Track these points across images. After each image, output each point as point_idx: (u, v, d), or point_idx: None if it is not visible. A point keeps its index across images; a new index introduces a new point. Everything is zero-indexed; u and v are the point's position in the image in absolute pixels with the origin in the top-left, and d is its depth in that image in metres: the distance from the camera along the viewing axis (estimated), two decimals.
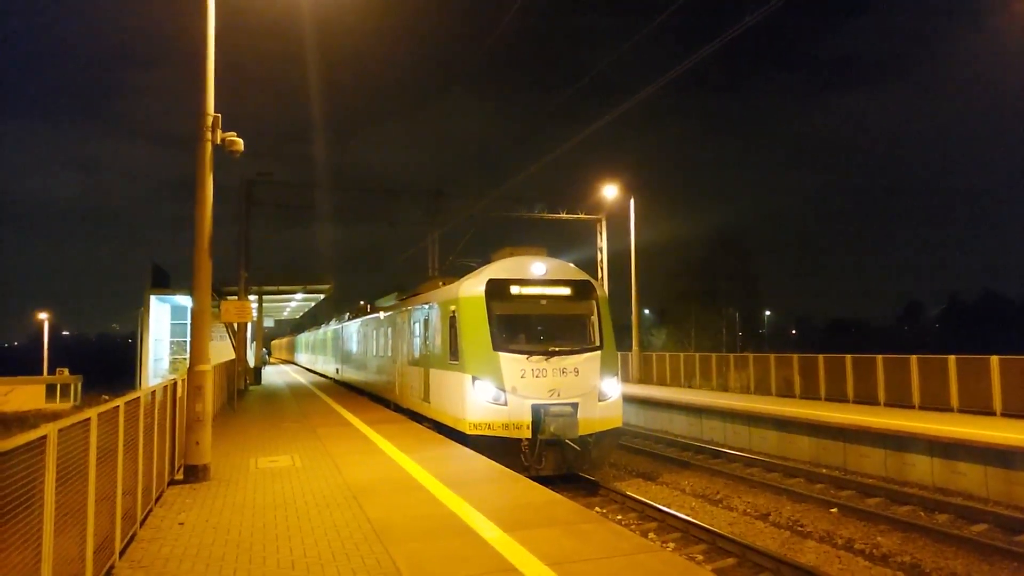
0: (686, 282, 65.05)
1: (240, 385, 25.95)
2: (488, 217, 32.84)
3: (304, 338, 61.02)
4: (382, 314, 23.21)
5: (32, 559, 4.07)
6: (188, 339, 26.71)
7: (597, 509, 12.27)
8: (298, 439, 14.08)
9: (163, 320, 38.36)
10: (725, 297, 64.17)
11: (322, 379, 39.06)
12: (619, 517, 12.15)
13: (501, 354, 13.40)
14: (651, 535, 11.06)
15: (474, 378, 13.40)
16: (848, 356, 20.85)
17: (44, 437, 4.31)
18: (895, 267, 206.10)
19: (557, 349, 13.67)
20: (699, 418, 21.86)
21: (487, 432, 13.12)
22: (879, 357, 19.76)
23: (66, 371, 41.35)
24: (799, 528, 11.45)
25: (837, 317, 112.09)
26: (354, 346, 29.81)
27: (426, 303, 16.99)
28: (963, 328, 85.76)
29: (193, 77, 10.71)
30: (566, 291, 14.66)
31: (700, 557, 10.02)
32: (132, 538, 7.04)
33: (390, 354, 21.20)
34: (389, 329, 21.54)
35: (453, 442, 13.23)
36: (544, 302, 14.55)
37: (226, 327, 28.42)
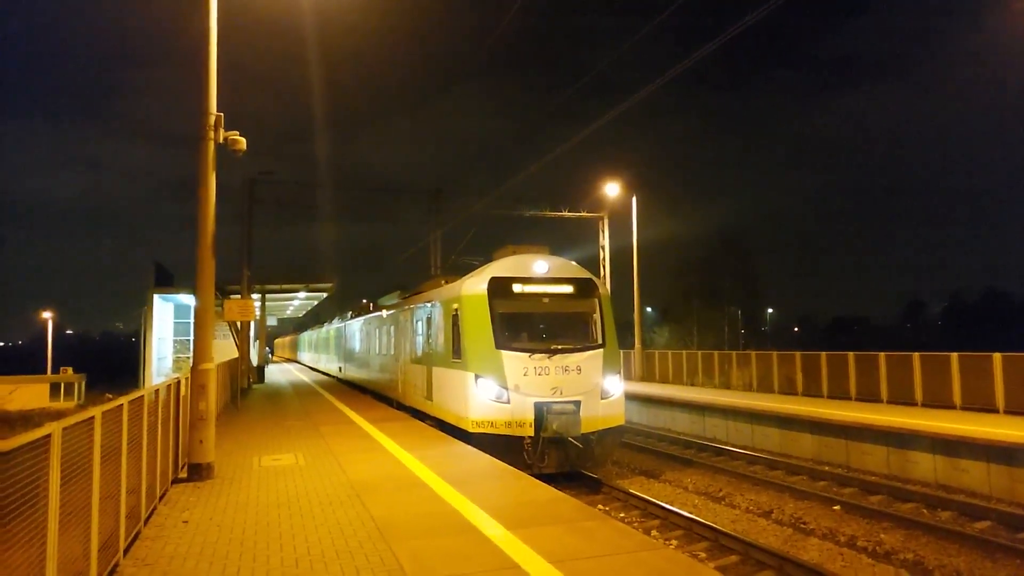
0: (688, 280, 65.11)
1: (243, 384, 26.00)
2: (490, 216, 32.92)
3: (307, 337, 61.07)
4: (385, 313, 23.24)
5: (37, 557, 4.09)
6: (191, 338, 26.79)
7: (600, 507, 12.28)
8: (301, 437, 14.11)
9: (166, 319, 38.44)
10: (727, 295, 64.12)
11: (325, 377, 39.10)
12: (622, 515, 12.16)
13: (504, 352, 13.42)
14: (654, 533, 11.07)
15: (477, 376, 13.42)
16: (851, 353, 20.82)
17: (48, 436, 4.33)
18: (896, 267, 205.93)
19: (560, 347, 13.68)
20: (701, 416, 21.86)
21: (490, 430, 13.14)
22: (881, 354, 19.73)
23: (70, 370, 41.50)
24: (802, 526, 11.45)
25: (839, 315, 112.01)
26: (357, 345, 29.85)
27: (429, 302, 17.01)
28: (965, 326, 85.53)
29: (194, 76, 10.72)
30: (568, 289, 14.67)
31: (703, 555, 10.03)
32: (136, 536, 7.06)
33: (393, 352, 21.23)
34: (392, 328, 21.56)
35: (456, 440, 13.25)
36: (546, 300, 14.56)
37: (229, 326, 28.47)
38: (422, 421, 16.35)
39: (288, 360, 76.74)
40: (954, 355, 17.69)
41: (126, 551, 6.51)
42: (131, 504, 6.77)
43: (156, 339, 33.90)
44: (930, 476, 14.25)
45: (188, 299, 32.03)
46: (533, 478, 9.88)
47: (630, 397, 21.44)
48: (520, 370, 13.29)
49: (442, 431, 14.51)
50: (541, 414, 13.09)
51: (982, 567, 9.40)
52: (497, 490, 9.14)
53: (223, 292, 27.13)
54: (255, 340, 35.53)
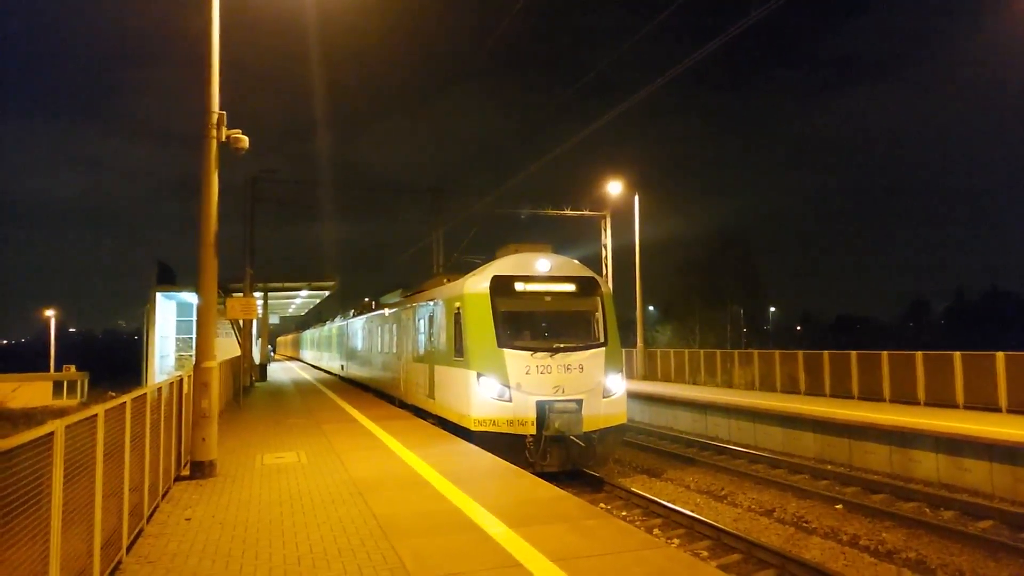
0: (690, 279, 65.14)
1: (246, 382, 26.02)
2: (492, 214, 32.89)
3: (309, 335, 61.14)
4: (387, 311, 23.24)
5: (40, 554, 4.10)
6: (194, 336, 26.82)
7: (602, 505, 12.28)
8: (304, 435, 14.12)
9: (169, 317, 38.54)
10: (729, 294, 64.10)
11: (327, 376, 39.15)
12: (624, 513, 12.16)
13: (506, 351, 13.42)
14: (656, 531, 11.08)
15: (479, 374, 13.42)
16: (853, 352, 20.79)
17: (51, 434, 4.34)
18: (897, 266, 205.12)
19: (562, 345, 13.68)
20: (704, 414, 21.85)
21: (492, 428, 13.14)
22: (884, 353, 19.71)
23: (73, 368, 41.63)
24: (804, 524, 11.45)
25: (842, 314, 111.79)
26: (359, 343, 29.86)
27: (431, 300, 17.01)
28: (968, 325, 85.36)
29: (196, 75, 10.73)
30: (570, 288, 14.67)
31: (705, 553, 10.03)
32: (139, 534, 7.07)
33: (395, 351, 21.24)
34: (394, 326, 21.57)
35: (458, 438, 13.26)
36: (548, 299, 14.55)
37: (231, 324, 28.49)
38: (424, 419, 16.36)
39: (290, 358, 76.83)
40: (957, 354, 17.66)
41: (129, 548, 6.52)
42: (134, 502, 6.78)
43: (159, 337, 33.99)
44: (933, 475, 14.23)
45: (190, 297, 32.09)
46: (535, 476, 9.87)
47: (632, 396, 21.43)
48: (522, 368, 13.29)
49: (444, 429, 14.52)
50: (543, 412, 13.09)
51: (985, 567, 9.38)
52: (499, 488, 9.14)
53: (225, 290, 27.17)
54: (257, 338, 35.57)
